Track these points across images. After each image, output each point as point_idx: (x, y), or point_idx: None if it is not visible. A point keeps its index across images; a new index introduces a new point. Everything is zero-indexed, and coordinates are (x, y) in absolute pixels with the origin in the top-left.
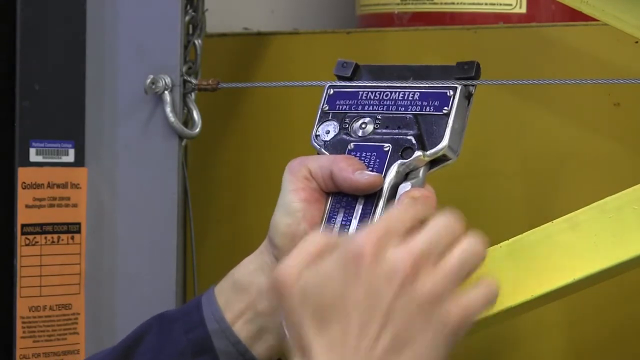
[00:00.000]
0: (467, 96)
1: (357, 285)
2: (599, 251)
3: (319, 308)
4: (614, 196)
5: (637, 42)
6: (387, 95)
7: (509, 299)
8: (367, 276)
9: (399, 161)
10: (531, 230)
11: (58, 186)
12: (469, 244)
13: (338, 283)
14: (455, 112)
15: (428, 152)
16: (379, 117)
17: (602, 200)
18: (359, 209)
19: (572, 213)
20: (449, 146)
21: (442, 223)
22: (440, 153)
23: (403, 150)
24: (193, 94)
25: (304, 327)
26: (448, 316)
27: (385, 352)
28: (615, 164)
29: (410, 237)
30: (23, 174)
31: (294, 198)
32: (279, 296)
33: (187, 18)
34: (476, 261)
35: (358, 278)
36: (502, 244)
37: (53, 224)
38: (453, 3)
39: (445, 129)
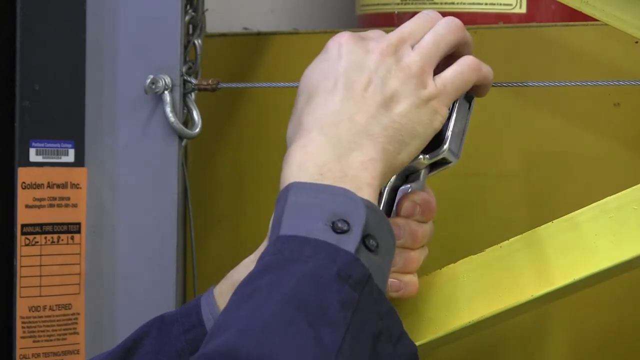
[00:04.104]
0: (468, 99)
1: (340, 62)
2: (599, 251)
3: (307, 91)
4: (614, 196)
5: (637, 42)
6: None
7: (509, 299)
8: (348, 54)
9: None
10: (531, 230)
11: (58, 186)
12: (440, 25)
13: (322, 65)
14: (456, 115)
15: (428, 155)
16: None
17: (602, 200)
18: None
19: (572, 213)
20: (450, 149)
21: (419, 18)
22: (441, 156)
23: None
24: (193, 94)
25: (298, 108)
26: (427, 86)
27: (377, 105)
28: (615, 164)
29: None
30: (23, 174)
31: None
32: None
33: (187, 18)
34: (451, 37)
35: (340, 58)
36: (502, 244)
37: (53, 224)
38: (453, 3)
39: (446, 132)
